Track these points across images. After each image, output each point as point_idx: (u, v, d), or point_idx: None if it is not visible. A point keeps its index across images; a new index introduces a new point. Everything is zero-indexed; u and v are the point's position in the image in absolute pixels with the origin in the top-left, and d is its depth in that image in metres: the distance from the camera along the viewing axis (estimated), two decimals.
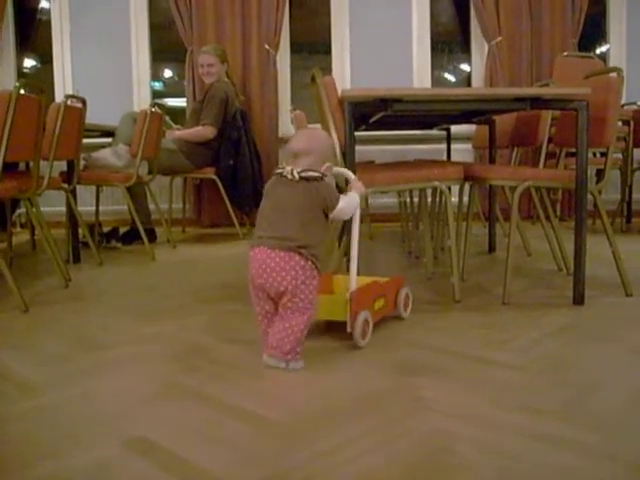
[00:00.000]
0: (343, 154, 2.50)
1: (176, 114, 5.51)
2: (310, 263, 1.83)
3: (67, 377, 1.84)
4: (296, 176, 1.82)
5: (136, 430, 1.47)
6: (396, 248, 4.10)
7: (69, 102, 3.35)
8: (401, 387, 1.71)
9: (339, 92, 2.51)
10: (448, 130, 4.38)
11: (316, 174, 1.84)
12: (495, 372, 1.81)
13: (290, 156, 1.88)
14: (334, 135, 2.57)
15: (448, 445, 1.36)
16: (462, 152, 5.08)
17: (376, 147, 5.26)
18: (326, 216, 1.90)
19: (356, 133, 3.50)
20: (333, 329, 2.15)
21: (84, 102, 3.56)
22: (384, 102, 2.40)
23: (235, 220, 4.71)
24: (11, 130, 2.57)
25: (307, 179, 1.83)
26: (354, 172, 2.43)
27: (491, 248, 3.78)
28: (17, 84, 2.59)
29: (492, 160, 3.59)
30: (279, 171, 1.88)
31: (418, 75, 5.64)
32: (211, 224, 5.41)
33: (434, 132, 4.78)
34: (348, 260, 2.41)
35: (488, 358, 1.93)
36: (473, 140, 4.63)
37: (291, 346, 1.83)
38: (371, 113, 2.77)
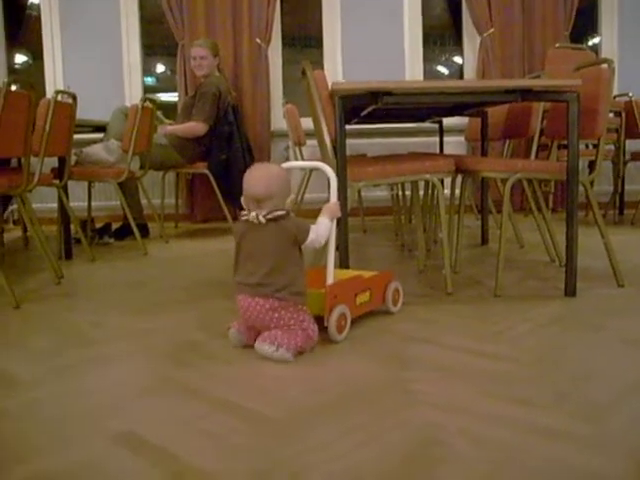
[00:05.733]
0: (334, 148, 2.50)
1: (169, 109, 5.49)
2: (292, 303, 1.89)
3: (57, 373, 1.83)
4: (262, 220, 1.88)
5: (125, 426, 1.46)
6: (389, 241, 4.10)
7: (59, 98, 3.33)
8: (392, 380, 1.71)
9: (329, 86, 2.50)
10: (440, 123, 4.38)
11: (281, 213, 1.90)
12: (487, 364, 1.81)
13: (252, 200, 1.91)
14: (324, 129, 2.57)
15: (440, 438, 1.36)
16: (454, 145, 5.08)
17: (368, 140, 5.26)
18: (300, 249, 1.97)
19: (347, 126, 3.50)
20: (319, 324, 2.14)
21: (74, 98, 3.55)
22: (375, 95, 2.39)
23: (228, 214, 4.70)
24: (0, 127, 2.56)
25: (274, 219, 1.89)
26: (345, 166, 2.44)
27: (484, 240, 3.78)
28: (6, 80, 2.57)
29: (484, 152, 3.59)
30: (244, 217, 1.93)
31: (410, 68, 5.64)
32: (204, 219, 5.40)
33: (426, 125, 4.78)
34: (340, 253, 2.41)
35: (480, 350, 1.93)
36: (465, 133, 4.63)
37: (286, 342, 1.85)
38: (362, 106, 2.77)
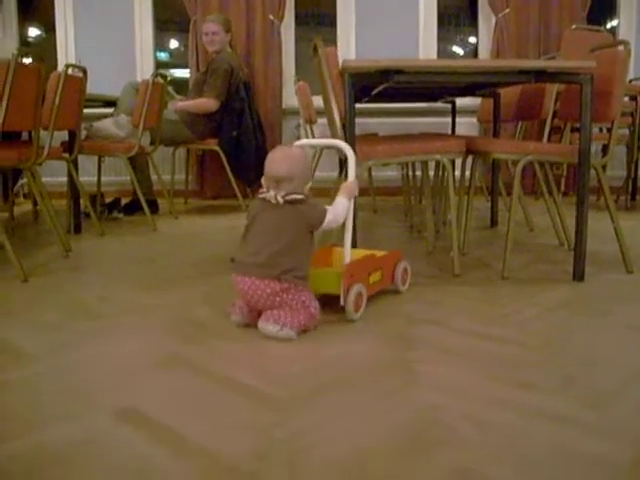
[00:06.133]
0: (343, 126, 2.47)
1: (182, 85, 5.47)
2: (294, 285, 1.88)
3: (61, 346, 1.84)
4: (280, 200, 1.88)
5: (128, 401, 1.47)
6: (398, 222, 4.08)
7: (70, 71, 3.32)
8: (397, 361, 1.71)
9: (340, 63, 2.48)
10: (453, 103, 4.34)
11: (300, 197, 1.90)
12: (493, 347, 1.81)
13: (272, 180, 1.91)
14: (334, 107, 2.55)
15: (443, 420, 1.36)
16: (467, 126, 5.04)
17: (379, 119, 5.22)
18: (312, 233, 1.96)
19: (359, 105, 3.46)
20: (330, 303, 2.13)
21: (85, 72, 3.53)
22: (385, 73, 2.36)
23: (238, 192, 4.69)
24: (10, 99, 2.55)
25: (291, 202, 1.89)
26: (354, 145, 2.41)
27: (493, 223, 3.76)
28: (15, 52, 2.56)
29: (496, 134, 3.55)
30: (262, 196, 1.94)
31: (424, 48, 5.57)
32: (214, 196, 5.39)
33: (439, 105, 4.73)
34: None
35: (486, 333, 1.92)
36: (478, 113, 4.58)
37: (290, 321, 1.85)
38: (373, 85, 2.74)
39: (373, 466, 1.18)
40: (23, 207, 4.98)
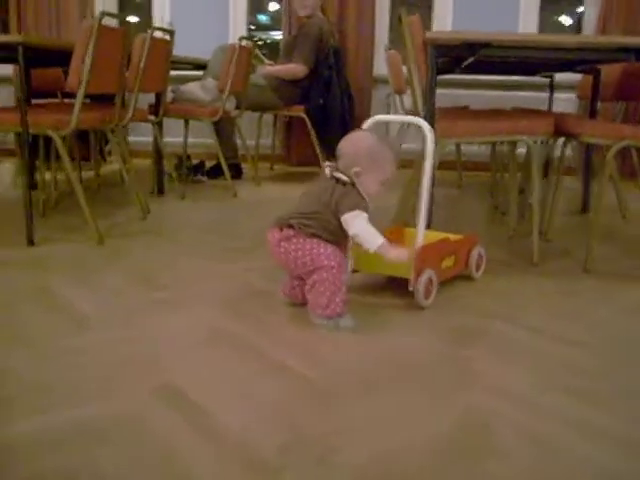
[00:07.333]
0: (425, 99, 2.36)
1: (278, 48, 5.40)
2: (298, 229, 1.80)
3: (118, 316, 1.86)
4: (327, 172, 1.84)
5: (169, 378, 1.46)
6: (482, 201, 3.91)
7: (156, 34, 3.32)
8: (452, 357, 1.62)
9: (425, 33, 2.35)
10: (551, 78, 4.10)
11: (344, 178, 1.81)
12: (557, 349, 1.68)
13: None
14: (416, 79, 2.44)
15: (489, 427, 1.27)
16: (565, 102, 4.75)
17: (472, 92, 5.00)
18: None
19: (450, 76, 3.32)
20: (397, 286, 2.05)
21: (172, 34, 3.53)
22: (471, 47, 2.23)
23: (321, 160, 4.63)
24: (94, 62, 2.57)
25: (336, 179, 1.82)
26: (433, 120, 2.30)
27: (584, 208, 3.54)
28: (98, 15, 2.57)
29: (593, 114, 3.32)
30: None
31: (524, 19, 5.28)
32: (299, 162, 5.34)
33: (536, 79, 4.48)
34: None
35: (552, 332, 1.79)
36: (578, 90, 4.31)
37: (327, 299, 1.76)
38: (462, 57, 2.60)
39: (400, 473, 1.12)
40: (114, 166, 5.10)
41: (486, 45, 2.22)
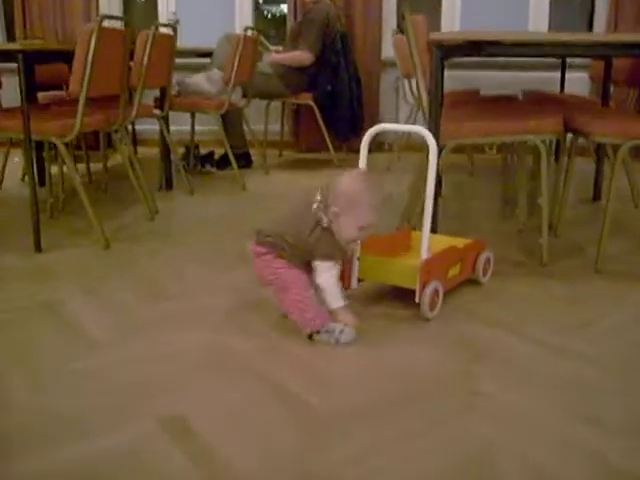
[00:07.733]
0: (430, 101, 2.32)
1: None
2: (271, 248, 1.82)
3: (123, 333, 1.86)
4: (314, 207, 1.81)
5: (173, 407, 1.46)
6: (493, 192, 3.81)
7: (159, 30, 3.28)
8: (458, 375, 1.61)
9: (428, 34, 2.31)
10: (563, 58, 4.01)
11: (324, 220, 1.78)
12: (566, 366, 1.66)
13: None
14: (421, 81, 2.39)
15: (493, 460, 1.26)
16: (578, 82, 4.65)
17: (484, 73, 4.90)
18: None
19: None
20: (403, 295, 2.03)
21: (175, 29, 3.49)
22: (477, 45, 2.17)
23: (331, 147, 4.59)
24: (94, 65, 2.54)
25: (317, 221, 1.80)
26: (438, 124, 2.26)
27: (596, 195, 3.47)
28: (98, 18, 2.54)
29: (605, 99, 3.25)
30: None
31: (534, 15, 5.16)
32: (308, 148, 5.31)
33: (548, 59, 4.40)
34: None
35: (561, 346, 1.77)
36: (590, 71, 4.23)
37: (300, 318, 1.79)
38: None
39: None
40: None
41: (494, 43, 2.16)
